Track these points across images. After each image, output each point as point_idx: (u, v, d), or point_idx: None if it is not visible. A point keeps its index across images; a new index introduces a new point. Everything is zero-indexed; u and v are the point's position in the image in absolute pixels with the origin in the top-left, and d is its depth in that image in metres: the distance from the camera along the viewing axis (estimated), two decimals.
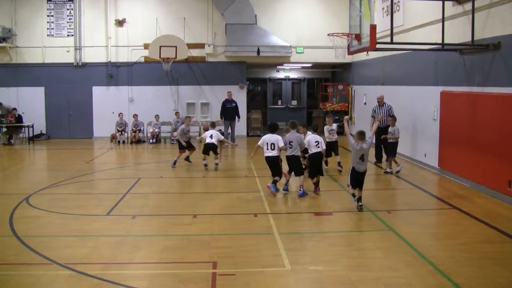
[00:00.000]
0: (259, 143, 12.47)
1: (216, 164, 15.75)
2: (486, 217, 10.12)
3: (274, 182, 12.11)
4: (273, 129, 12.39)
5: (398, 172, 14.70)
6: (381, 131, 14.98)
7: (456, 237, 9.01)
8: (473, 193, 12.32)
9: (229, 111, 21.94)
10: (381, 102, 16.27)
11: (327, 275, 7.22)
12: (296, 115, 26.96)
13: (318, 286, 6.88)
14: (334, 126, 15.47)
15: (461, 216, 10.35)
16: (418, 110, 16.18)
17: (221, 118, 22.10)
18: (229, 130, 22.09)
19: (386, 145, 15.24)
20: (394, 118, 15.04)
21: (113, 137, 23.24)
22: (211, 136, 15.51)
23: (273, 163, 12.23)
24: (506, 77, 11.52)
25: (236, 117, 22.21)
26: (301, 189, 12.01)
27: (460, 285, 6.80)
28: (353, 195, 10.88)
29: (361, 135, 10.55)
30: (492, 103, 11.97)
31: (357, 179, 10.66)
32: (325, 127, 15.46)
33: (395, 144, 14.89)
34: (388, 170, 14.95)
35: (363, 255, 8.16)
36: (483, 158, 12.29)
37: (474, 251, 8.19)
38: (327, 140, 14.82)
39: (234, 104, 22.16)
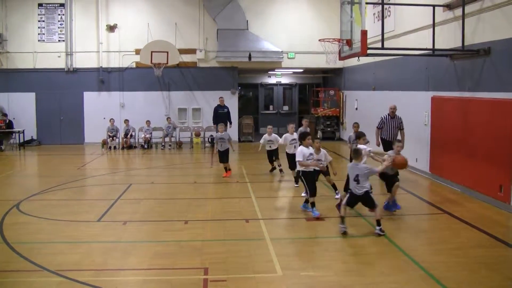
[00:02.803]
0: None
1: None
2: (477, 221, 10.15)
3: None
4: None
5: None
6: (389, 147, 13.11)
7: (447, 241, 9.03)
8: (464, 198, 12.36)
9: (221, 117, 21.90)
10: (392, 114, 14.51)
11: (319, 281, 7.21)
12: (288, 120, 26.88)
13: None
14: (296, 135, 14.19)
15: (453, 221, 10.38)
16: (409, 115, 16.19)
17: (214, 123, 22.03)
18: None
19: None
20: (358, 124, 14.38)
21: (104, 143, 23.16)
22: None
23: None
24: (496, 82, 11.58)
25: (228, 123, 22.17)
26: None
27: None
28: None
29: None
30: (483, 108, 12.03)
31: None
32: (285, 136, 14.43)
33: None
34: None
35: (355, 260, 8.16)
36: (474, 163, 12.34)
37: (466, 256, 8.21)
38: (287, 151, 14.24)
39: (226, 110, 22.13)
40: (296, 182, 13.78)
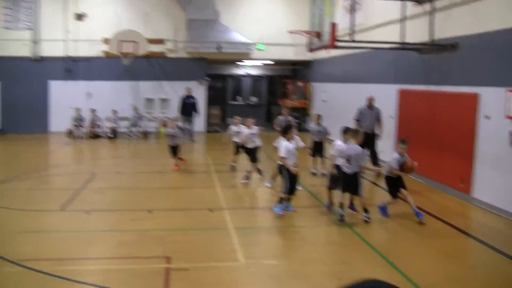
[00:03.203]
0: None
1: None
2: (440, 212, 10.31)
3: None
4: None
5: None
6: (368, 139, 13.09)
7: (410, 232, 9.14)
8: (427, 189, 12.53)
9: (188, 107, 21.79)
10: (370, 105, 14.33)
11: (282, 269, 7.24)
12: (256, 111, 26.81)
13: (272, 280, 6.90)
14: (254, 129, 13.53)
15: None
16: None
17: (181, 114, 21.88)
18: (188, 126, 21.86)
19: (314, 145, 13.99)
20: (320, 116, 14.29)
21: (70, 132, 22.79)
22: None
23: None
24: (462, 76, 11.75)
25: (195, 113, 22.01)
26: None
27: (413, 279, 6.88)
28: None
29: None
30: (447, 102, 12.21)
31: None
32: (242, 131, 13.89)
33: (322, 144, 13.98)
34: (313, 170, 14.15)
35: (318, 249, 8.21)
36: (438, 155, 12.52)
37: (428, 246, 8.33)
38: (249, 146, 13.42)
39: (193, 100, 21.99)
40: (247, 178, 13.08)
